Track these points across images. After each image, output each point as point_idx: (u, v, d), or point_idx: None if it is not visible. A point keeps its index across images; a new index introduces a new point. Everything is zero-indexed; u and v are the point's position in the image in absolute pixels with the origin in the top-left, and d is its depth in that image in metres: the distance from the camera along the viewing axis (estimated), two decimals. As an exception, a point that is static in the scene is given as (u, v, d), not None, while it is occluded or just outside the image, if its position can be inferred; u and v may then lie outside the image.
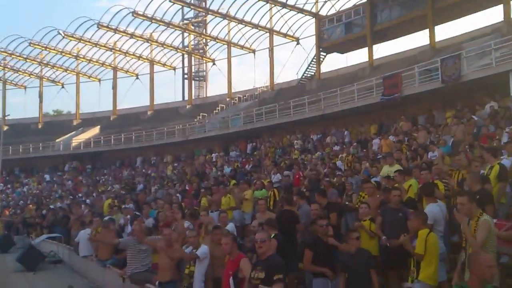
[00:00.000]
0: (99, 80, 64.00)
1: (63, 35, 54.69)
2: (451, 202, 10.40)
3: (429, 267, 7.66)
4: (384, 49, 63.99)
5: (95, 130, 57.68)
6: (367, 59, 42.65)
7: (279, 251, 8.31)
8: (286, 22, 50.35)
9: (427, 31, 38.37)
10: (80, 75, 62.82)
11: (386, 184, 12.62)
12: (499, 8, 34.02)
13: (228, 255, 8.47)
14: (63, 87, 64.84)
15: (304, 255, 8.85)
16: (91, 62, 60.64)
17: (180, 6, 53.15)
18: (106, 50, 58.46)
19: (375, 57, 42.39)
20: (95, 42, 56.36)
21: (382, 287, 9.22)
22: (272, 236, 9.14)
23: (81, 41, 56.33)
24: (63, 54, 58.84)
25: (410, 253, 9.16)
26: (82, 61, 60.66)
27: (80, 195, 34.77)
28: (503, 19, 32.98)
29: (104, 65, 61.16)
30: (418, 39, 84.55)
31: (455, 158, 12.41)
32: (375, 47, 42.78)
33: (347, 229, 11.04)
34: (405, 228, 9.30)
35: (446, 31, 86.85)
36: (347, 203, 13.63)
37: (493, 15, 67.62)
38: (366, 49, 42.97)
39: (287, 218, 11.05)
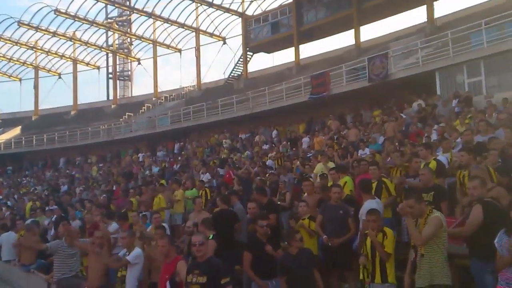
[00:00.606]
0: (20, 80, 61.74)
1: (-19, 33, 52.34)
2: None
3: (392, 267, 7.47)
4: (310, 49, 64.73)
5: (16, 131, 55.34)
6: (293, 59, 42.86)
7: (216, 253, 7.96)
8: (212, 21, 50.14)
9: (352, 31, 38.88)
10: (0, 74, 60.40)
11: (321, 183, 12.53)
12: (423, 9, 34.80)
13: (165, 258, 7.98)
14: (-19, 87, 62.10)
15: (243, 258, 8.38)
16: (12, 61, 58.37)
17: (104, 5, 51.68)
18: (27, 49, 56.41)
19: (301, 57, 42.68)
20: (16, 41, 54.33)
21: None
22: (210, 237, 8.77)
23: (1, 40, 54.23)
24: (-18, 52, 56.27)
25: (351, 253, 9.06)
26: (2, 60, 58.20)
27: (0, 197, 33.16)
28: (426, 20, 33.71)
29: (25, 64, 59.01)
30: (343, 40, 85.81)
31: (392, 154, 12.36)
32: (301, 47, 43.07)
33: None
34: (345, 225, 9.18)
35: (371, 31, 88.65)
36: (279, 202, 13.35)
37: (417, 16, 69.20)
38: (292, 49, 43.18)
39: (225, 218, 10.69)
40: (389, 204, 9.79)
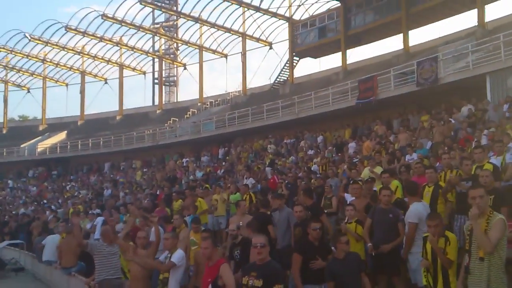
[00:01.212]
0: (67, 85, 62.74)
1: (29, 38, 53.50)
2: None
3: (454, 275, 6.93)
4: (357, 54, 64.17)
5: (62, 136, 56.33)
6: (340, 64, 42.39)
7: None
8: (259, 26, 49.91)
9: (401, 35, 38.21)
10: (47, 79, 61.46)
11: (367, 188, 12.18)
12: (473, 13, 33.99)
13: (208, 260, 7.72)
14: (29, 91, 63.43)
15: (292, 260, 8.16)
16: (58, 66, 59.30)
17: (151, 10, 52.29)
18: (74, 54, 57.21)
19: (348, 62, 42.14)
20: (63, 46, 55.21)
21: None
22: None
23: (48, 45, 55.09)
24: (29, 57, 57.48)
25: (399, 259, 8.66)
26: (49, 65, 59.33)
27: (45, 201, 33.64)
28: (477, 24, 32.87)
29: (71, 69, 59.89)
30: (391, 44, 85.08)
31: (443, 157, 11.91)
32: (348, 51, 42.58)
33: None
34: (395, 230, 8.80)
35: (420, 35, 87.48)
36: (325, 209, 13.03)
37: (467, 20, 67.98)
38: (339, 54, 42.73)
39: (261, 220, 10.52)
40: (448, 211, 9.41)
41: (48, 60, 58.13)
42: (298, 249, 8.33)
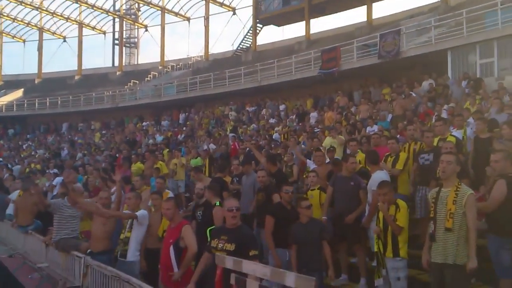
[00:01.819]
0: (24, 41, 61.36)
1: (-15, -9, 51.80)
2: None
3: (405, 241, 7.23)
4: (321, 24, 64.11)
5: (18, 93, 54.86)
6: (303, 33, 42.29)
7: None
8: (223, -10, 49.36)
9: (364, 7, 38.34)
10: (3, 34, 59.95)
11: (329, 157, 12.38)
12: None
13: (170, 222, 7.72)
14: (-16, 46, 61.51)
15: (265, 223, 8.27)
16: (16, 21, 57.86)
17: (113, -33, 51.23)
18: (32, 9, 55.83)
19: (311, 31, 42.06)
20: (20, 0, 53.62)
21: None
22: (217, 204, 8.54)
23: (5, -2, 53.48)
24: (-15, 11, 55.76)
25: (360, 227, 8.82)
26: (6, 19, 57.84)
27: (0, 159, 32.99)
28: (440, -1, 33.20)
29: (29, 25, 58.48)
30: (355, 16, 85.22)
31: (408, 128, 12.10)
32: (312, 21, 42.48)
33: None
34: (356, 198, 8.93)
35: (383, 9, 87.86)
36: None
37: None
38: (303, 23, 42.60)
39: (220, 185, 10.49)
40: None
41: (5, 14, 56.55)
42: (271, 211, 8.38)
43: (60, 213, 10.28)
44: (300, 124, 23.38)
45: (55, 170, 21.92)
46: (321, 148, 13.36)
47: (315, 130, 20.20)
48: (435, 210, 6.09)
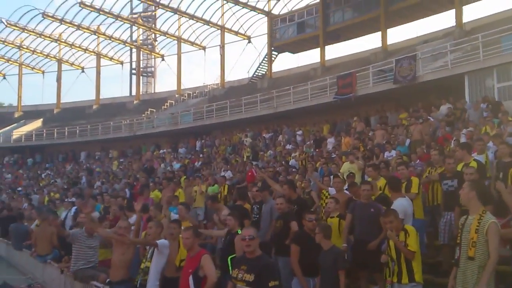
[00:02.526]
0: (43, 72, 62.06)
1: (5, 24, 52.73)
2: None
3: (419, 266, 7.15)
4: (336, 51, 64.49)
5: (38, 123, 55.59)
6: (318, 60, 42.51)
7: None
8: (238, 19, 49.85)
9: (379, 33, 38.42)
10: (23, 66, 60.61)
11: (348, 182, 12.27)
12: (451, 13, 34.33)
13: (188, 251, 7.67)
14: (4, 78, 62.51)
15: (291, 251, 8.19)
16: (35, 53, 58.50)
17: (129, -1, 51.88)
18: (51, 41, 56.47)
19: (326, 58, 42.28)
20: (40, 33, 54.50)
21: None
22: (238, 232, 8.48)
23: (25, 31, 54.30)
24: (5, 44, 56.62)
25: (380, 254, 8.70)
26: (26, 51, 58.52)
27: (19, 188, 33.24)
28: (455, 24, 33.20)
29: (48, 57, 59.16)
30: (370, 42, 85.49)
31: (432, 153, 11.99)
32: (327, 48, 42.70)
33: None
34: (376, 224, 8.82)
35: (398, 34, 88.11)
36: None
37: (445, 20, 68.67)
38: (318, 50, 42.86)
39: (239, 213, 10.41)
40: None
41: (25, 46, 57.34)
42: (295, 240, 8.31)
43: (79, 243, 10.34)
44: (317, 150, 23.33)
45: (74, 199, 22.02)
46: (339, 174, 13.29)
47: (332, 156, 20.17)
48: (461, 237, 6.02)
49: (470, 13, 57.77)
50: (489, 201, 7.69)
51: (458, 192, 8.45)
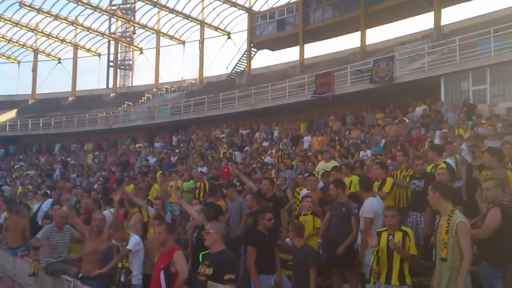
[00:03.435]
0: (19, 62, 61.19)
1: (-19, 12, 51.84)
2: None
3: (408, 270, 7.17)
4: (315, 49, 64.66)
5: (12, 114, 54.71)
6: (298, 58, 42.57)
7: None
8: (218, 15, 49.82)
9: (358, 33, 38.60)
10: (-2, 55, 59.79)
11: (322, 181, 12.32)
12: (430, 15, 34.71)
13: (161, 247, 7.64)
14: (-22, 67, 61.57)
15: (248, 253, 8.16)
16: (11, 42, 57.64)
17: (109, -10, 51.45)
18: (28, 31, 55.72)
19: (306, 56, 42.38)
20: (16, 22, 53.75)
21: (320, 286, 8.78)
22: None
23: (1, 20, 53.49)
24: (-21, 32, 55.71)
25: (353, 254, 8.76)
26: (1, 40, 57.60)
27: (-9, 179, 32.79)
28: (433, 26, 33.49)
29: (24, 47, 58.37)
30: (349, 41, 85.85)
31: (398, 155, 12.08)
32: (306, 46, 42.82)
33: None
34: (348, 223, 8.88)
35: (377, 35, 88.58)
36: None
37: (423, 22, 69.25)
38: (297, 48, 42.92)
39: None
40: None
41: (0, 35, 56.46)
42: (251, 241, 8.25)
43: (50, 238, 10.22)
44: (293, 148, 23.39)
45: (46, 191, 21.75)
46: (314, 172, 13.33)
47: (308, 154, 20.24)
48: (435, 238, 6.07)
49: (449, 16, 58.29)
50: (458, 201, 7.79)
51: (425, 192, 8.65)
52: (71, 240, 10.58)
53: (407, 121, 20.77)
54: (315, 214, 9.59)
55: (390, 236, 7.16)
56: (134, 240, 8.57)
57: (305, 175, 13.88)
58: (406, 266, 7.10)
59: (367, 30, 38.65)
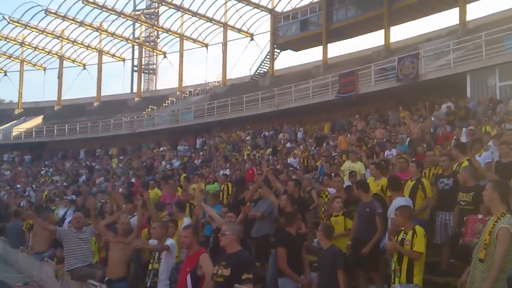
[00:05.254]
0: (44, 69, 61.84)
1: (8, 20, 52.50)
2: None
3: (420, 268, 7.01)
4: (338, 48, 64.33)
5: (38, 120, 55.40)
6: (321, 58, 42.36)
7: None
8: (240, 17, 49.71)
9: (382, 31, 38.29)
10: (25, 62, 60.55)
11: (350, 180, 12.17)
12: (455, 11, 34.26)
13: (187, 250, 7.56)
14: (5, 74, 62.37)
15: (278, 254, 8.07)
16: (37, 49, 58.30)
17: (132, -4, 51.73)
18: (53, 38, 56.34)
19: (329, 56, 42.16)
20: (42, 29, 54.34)
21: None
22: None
23: (27, 28, 54.11)
24: (7, 40, 56.41)
25: (378, 254, 8.62)
26: (27, 48, 58.40)
27: (18, 186, 33.10)
28: (458, 22, 33.07)
29: (50, 54, 58.98)
30: (372, 40, 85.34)
31: (427, 154, 11.88)
32: (329, 46, 42.59)
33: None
34: (372, 224, 8.74)
35: (401, 32, 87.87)
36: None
37: (448, 18, 68.46)
38: (320, 48, 42.71)
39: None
40: (424, 208, 9.46)
41: (27, 43, 57.18)
42: (282, 242, 8.19)
43: (69, 239, 10.21)
44: (317, 148, 23.20)
45: (72, 197, 21.88)
46: (339, 173, 13.17)
47: (333, 154, 20.04)
48: (480, 237, 5.87)
49: (474, 11, 57.57)
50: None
51: (454, 191, 8.44)
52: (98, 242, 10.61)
53: (433, 119, 20.47)
54: (346, 215, 9.46)
55: (404, 235, 7.15)
56: (171, 241, 8.42)
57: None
58: (417, 265, 6.99)
59: (391, 28, 38.31)
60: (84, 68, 60.08)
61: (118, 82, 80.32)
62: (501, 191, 5.83)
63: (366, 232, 8.75)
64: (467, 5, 33.77)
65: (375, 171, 11.29)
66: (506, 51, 22.51)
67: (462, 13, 33.06)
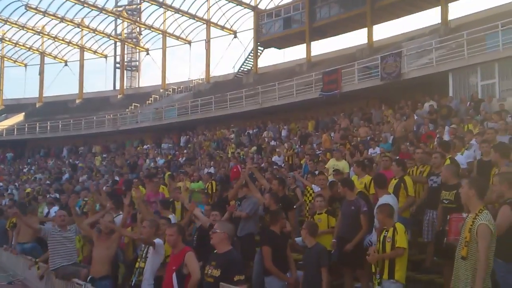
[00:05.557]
0: (25, 65, 61.36)
1: (-13, 16, 52.02)
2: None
3: (403, 265, 7.11)
4: (321, 46, 64.49)
5: (19, 117, 54.83)
6: (304, 56, 42.47)
7: None
8: (223, 14, 49.71)
9: (365, 30, 38.47)
10: (5, 59, 60.10)
11: (334, 178, 12.23)
12: (437, 10, 34.58)
13: (172, 248, 7.56)
14: (-15, 71, 61.62)
15: (263, 253, 8.13)
16: (17, 45, 57.87)
17: (114, -8, 51.49)
18: (34, 34, 55.88)
19: (312, 54, 42.27)
20: (22, 25, 53.92)
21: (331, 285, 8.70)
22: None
23: (7, 23, 53.70)
24: (-14, 36, 55.92)
25: (363, 252, 8.69)
26: (7, 44, 57.96)
27: (0, 184, 32.81)
28: (440, 21, 33.35)
29: (31, 50, 58.54)
30: (356, 38, 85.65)
31: (417, 151, 11.99)
32: (313, 44, 42.76)
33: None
34: (357, 222, 8.81)
35: (384, 31, 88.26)
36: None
37: (431, 17, 68.93)
38: (304, 46, 42.80)
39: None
40: (407, 207, 9.57)
41: (7, 39, 56.69)
42: (266, 241, 8.24)
43: (53, 238, 10.18)
44: (302, 146, 23.27)
45: (56, 195, 21.77)
46: (323, 171, 13.24)
47: (317, 153, 20.11)
48: (461, 235, 5.95)
49: (456, 10, 57.98)
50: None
51: (441, 189, 8.54)
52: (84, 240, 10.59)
53: (416, 117, 20.63)
54: (329, 213, 9.50)
55: (386, 232, 7.26)
56: (160, 241, 8.36)
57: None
58: (399, 261, 7.09)
59: (374, 26, 38.52)
60: (66, 65, 59.64)
61: (101, 79, 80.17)
62: (478, 188, 5.94)
63: (351, 230, 8.80)
64: (449, 4, 34.13)
65: (357, 169, 11.38)
66: (488, 50, 22.75)
67: (444, 12, 33.39)
